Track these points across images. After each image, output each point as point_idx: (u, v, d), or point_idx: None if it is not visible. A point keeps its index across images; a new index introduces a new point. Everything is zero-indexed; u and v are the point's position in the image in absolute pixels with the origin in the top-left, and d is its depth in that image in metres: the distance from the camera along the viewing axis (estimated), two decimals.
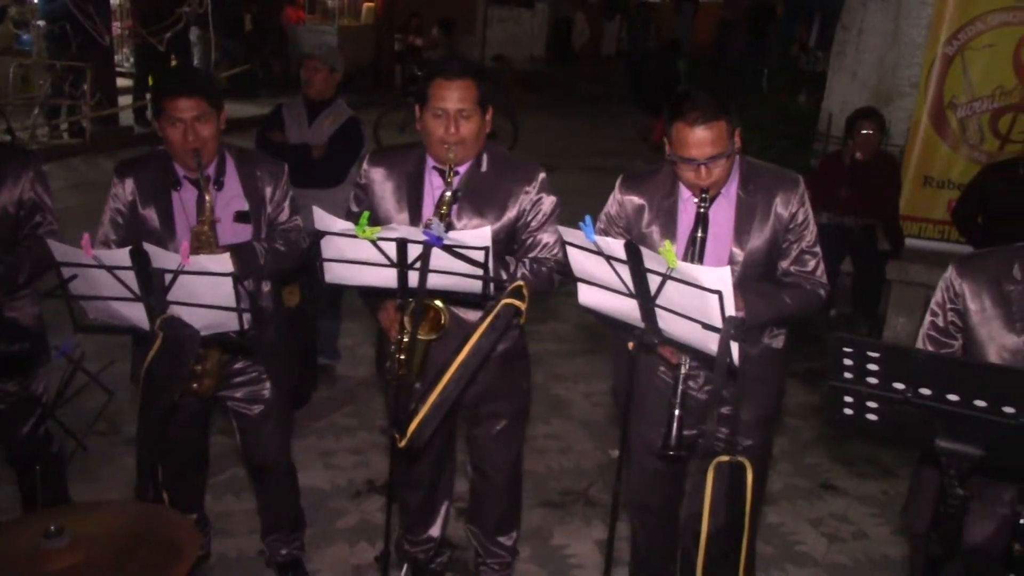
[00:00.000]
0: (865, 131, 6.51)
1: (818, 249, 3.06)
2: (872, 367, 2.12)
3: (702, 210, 2.88)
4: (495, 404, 3.45)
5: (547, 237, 3.24)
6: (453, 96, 3.09)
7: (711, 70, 15.73)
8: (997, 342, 2.54)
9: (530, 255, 3.24)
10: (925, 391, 2.10)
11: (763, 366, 3.11)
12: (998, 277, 2.56)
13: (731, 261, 2.98)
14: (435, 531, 3.79)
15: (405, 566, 3.80)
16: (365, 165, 3.35)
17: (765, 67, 15.12)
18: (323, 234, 2.83)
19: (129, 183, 3.31)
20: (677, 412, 2.82)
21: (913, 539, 2.91)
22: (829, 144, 7.58)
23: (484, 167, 3.24)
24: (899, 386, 2.12)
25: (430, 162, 3.22)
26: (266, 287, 3.44)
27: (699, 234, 2.87)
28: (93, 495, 4.19)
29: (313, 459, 4.78)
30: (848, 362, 2.14)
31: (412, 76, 15.56)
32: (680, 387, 2.84)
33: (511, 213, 3.22)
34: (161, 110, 3.22)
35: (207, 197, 3.17)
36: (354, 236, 2.78)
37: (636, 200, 3.12)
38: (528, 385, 3.57)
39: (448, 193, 3.09)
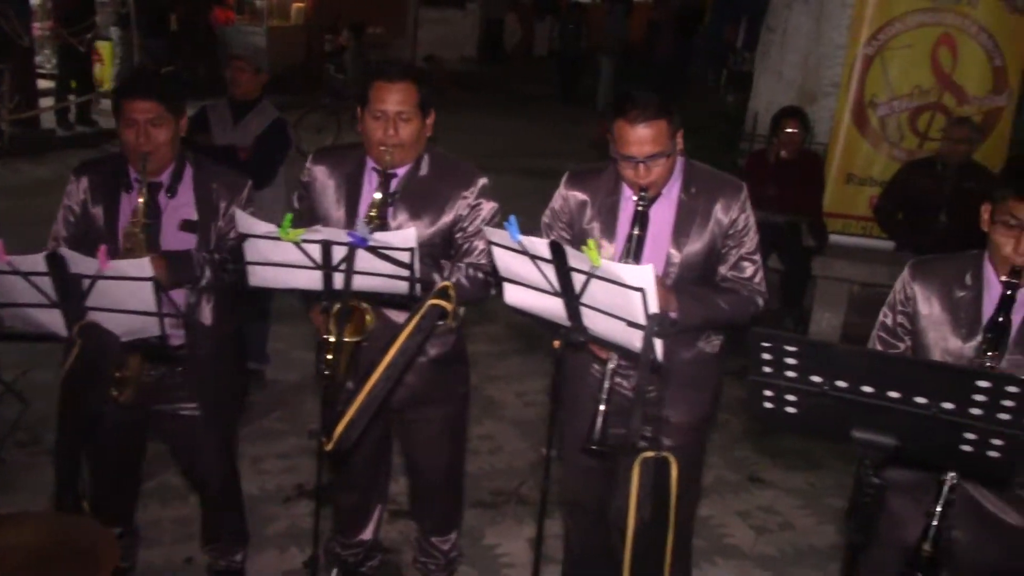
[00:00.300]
0: (789, 130, 6.64)
1: (758, 257, 3.08)
2: (790, 361, 2.16)
3: (640, 208, 2.89)
4: (427, 408, 3.44)
5: (483, 243, 3.24)
6: (393, 98, 3.09)
7: (641, 70, 15.88)
8: (942, 346, 2.61)
9: (466, 260, 3.24)
10: (841, 383, 2.14)
11: (697, 370, 3.13)
12: (950, 283, 2.63)
13: (668, 263, 3.00)
14: (367, 534, 3.77)
15: (335, 570, 3.78)
16: (309, 163, 3.35)
17: (693, 68, 15.33)
18: (246, 237, 2.79)
19: (84, 182, 3.27)
20: (603, 408, 2.84)
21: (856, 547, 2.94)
22: (755, 143, 7.71)
23: (424, 170, 3.24)
24: (816, 379, 2.17)
25: (370, 163, 3.22)
26: (208, 302, 3.35)
27: (636, 232, 2.89)
28: (13, 507, 4.08)
29: (242, 465, 4.66)
30: (767, 356, 2.18)
31: (329, 78, 15.47)
32: (607, 383, 2.86)
33: (447, 217, 3.22)
34: (119, 110, 3.17)
35: (140, 200, 3.11)
36: (277, 238, 2.75)
37: (580, 196, 3.13)
38: (466, 390, 3.56)
39: (378, 195, 3.08)
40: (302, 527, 4.23)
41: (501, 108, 17.24)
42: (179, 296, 3.25)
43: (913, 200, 6.49)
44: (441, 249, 3.24)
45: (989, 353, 2.44)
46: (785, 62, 7.86)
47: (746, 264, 3.06)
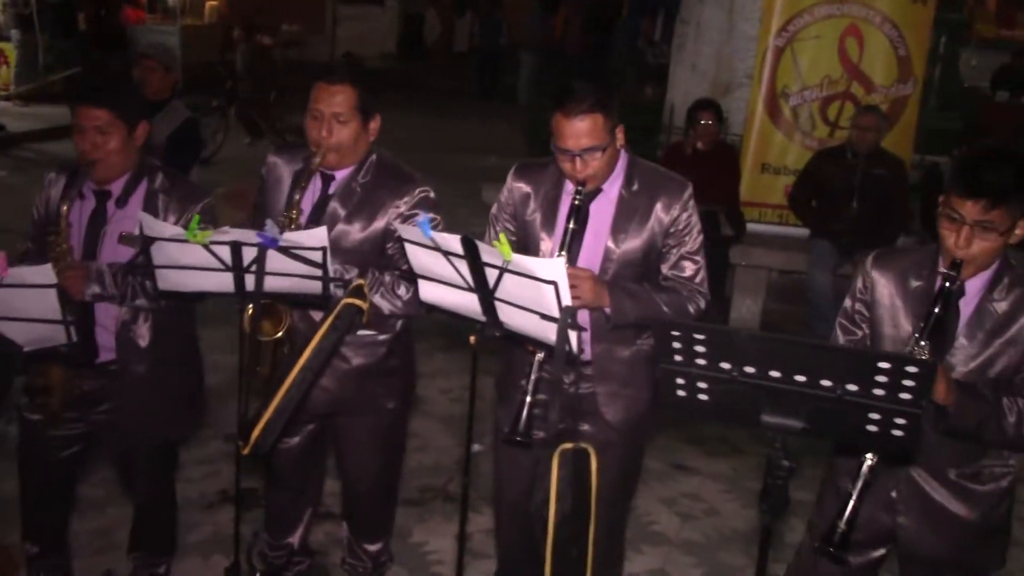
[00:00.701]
0: (704, 121, 6.74)
1: (701, 257, 3.07)
2: (699, 348, 2.19)
3: (576, 202, 2.88)
4: (352, 418, 3.41)
5: None
6: (330, 100, 3.08)
7: (560, 65, 15.94)
8: (893, 335, 2.67)
9: (396, 270, 3.19)
10: (749, 369, 2.18)
11: (635, 368, 3.10)
12: (907, 273, 2.69)
13: (606, 258, 2.99)
14: (295, 538, 3.73)
15: (257, 574, 3.73)
16: (270, 155, 3.34)
17: (610, 61, 15.45)
18: (153, 240, 2.74)
19: (61, 180, 3.22)
20: (528, 399, 2.84)
21: (810, 528, 3.00)
22: (672, 135, 7.81)
23: (365, 175, 3.21)
24: (725, 366, 2.20)
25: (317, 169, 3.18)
26: (145, 321, 3.23)
27: (571, 225, 2.87)
28: None
29: None
30: (677, 345, 2.21)
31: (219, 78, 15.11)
32: (535, 375, 2.86)
33: (379, 224, 3.18)
34: (73, 116, 3.10)
35: (63, 208, 3.03)
36: (185, 241, 2.70)
37: (524, 188, 3.13)
38: (396, 405, 3.47)
39: (297, 196, 3.07)
40: (226, 533, 4.14)
41: (421, 105, 17.18)
42: (111, 311, 3.17)
43: (825, 188, 6.65)
44: (371, 256, 3.20)
45: (922, 343, 2.48)
46: (699, 54, 7.98)
47: (687, 264, 3.04)
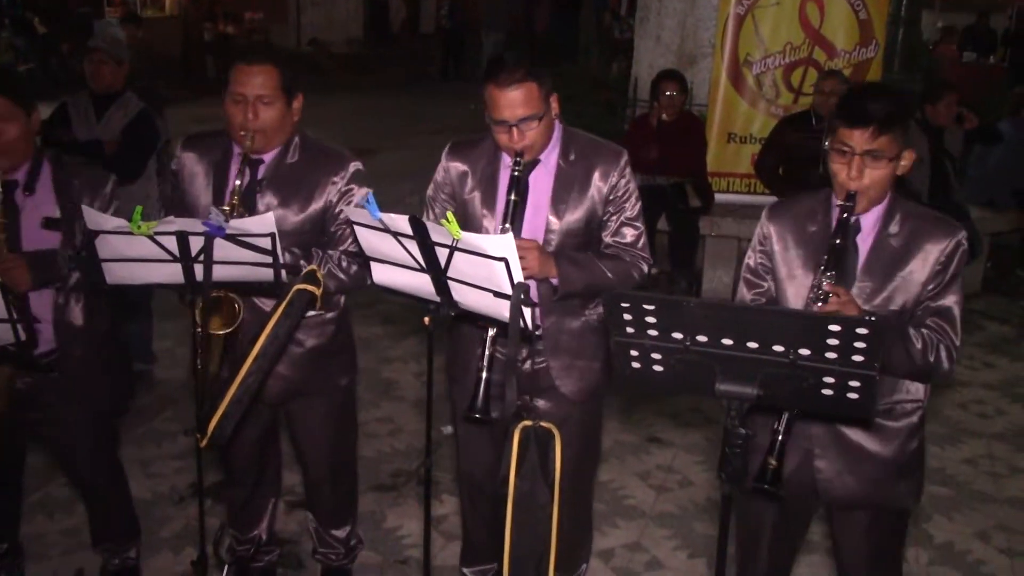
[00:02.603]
0: (668, 92, 6.71)
1: (640, 223, 3.07)
2: (650, 320, 2.17)
3: (516, 173, 2.86)
4: (307, 400, 3.38)
5: None
6: (253, 82, 3.01)
7: (525, 44, 15.89)
8: (797, 279, 2.69)
9: (339, 248, 3.17)
10: (702, 338, 2.16)
11: (585, 339, 3.11)
12: (802, 219, 2.73)
13: (548, 230, 2.98)
14: (261, 530, 3.70)
15: (226, 567, 3.70)
16: (178, 150, 3.25)
17: (577, 37, 15.36)
18: (96, 233, 2.68)
19: None
20: (484, 375, 2.82)
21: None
22: (638, 108, 7.77)
23: (293, 156, 3.16)
24: (678, 335, 2.18)
25: (236, 149, 3.10)
26: (77, 302, 3.22)
27: (512, 198, 2.85)
28: None
29: (133, 468, 4.56)
30: (628, 317, 2.18)
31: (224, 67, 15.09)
32: (488, 351, 2.84)
33: (317, 204, 3.14)
34: None
35: None
36: (129, 233, 2.65)
37: (460, 166, 3.09)
38: (348, 381, 3.49)
39: (239, 183, 3.00)
40: (197, 527, 4.12)
41: (389, 88, 17.08)
42: (46, 297, 3.14)
43: (791, 154, 6.63)
44: (312, 237, 3.16)
45: (828, 273, 2.52)
46: (663, 26, 7.94)
47: (627, 230, 3.05)
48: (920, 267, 2.61)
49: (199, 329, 2.92)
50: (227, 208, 2.94)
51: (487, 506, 3.39)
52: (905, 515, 2.92)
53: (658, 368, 2.27)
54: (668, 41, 7.93)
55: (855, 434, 2.73)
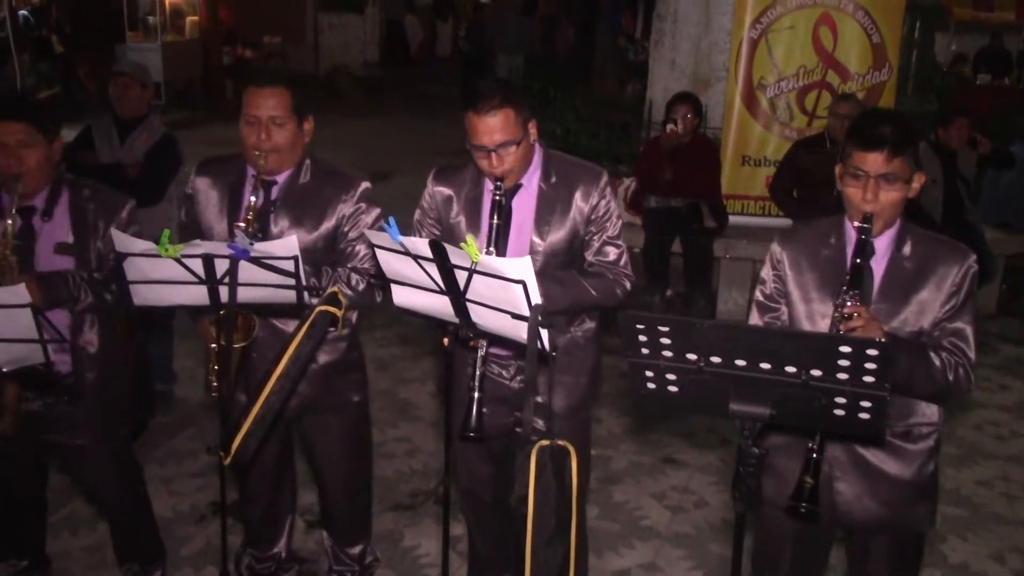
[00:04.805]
0: (682, 115, 6.76)
1: (621, 241, 3.15)
2: (665, 341, 2.22)
3: (496, 198, 2.95)
4: (320, 416, 3.44)
5: (366, 247, 3.24)
6: (265, 104, 3.11)
7: (544, 67, 15.98)
8: (812, 302, 2.73)
9: (348, 265, 3.24)
10: (715, 359, 2.21)
11: (571, 355, 3.19)
12: (815, 244, 2.78)
13: (532, 251, 3.05)
14: (279, 548, 3.75)
15: None
16: (192, 175, 3.34)
17: (592, 60, 15.49)
18: (124, 256, 2.76)
19: None
20: (476, 395, 2.89)
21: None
22: (652, 131, 7.83)
23: (305, 176, 3.25)
24: (692, 356, 2.23)
25: (250, 171, 3.20)
26: (92, 326, 3.27)
27: (495, 221, 2.94)
28: None
29: (154, 487, 4.61)
30: (643, 338, 2.23)
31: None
32: (478, 370, 2.90)
33: (328, 223, 3.23)
34: None
35: (8, 222, 3.06)
36: (157, 255, 2.72)
37: (445, 191, 3.18)
38: (361, 398, 3.55)
39: (254, 199, 3.10)
40: (218, 545, 4.16)
41: (406, 110, 17.21)
42: (60, 320, 3.19)
43: (805, 177, 6.67)
44: (323, 255, 3.24)
45: (852, 292, 2.55)
46: (677, 49, 8.01)
47: (609, 248, 3.13)
48: (934, 291, 2.65)
49: (217, 343, 2.99)
50: (243, 224, 3.02)
51: (490, 519, 3.44)
52: (922, 538, 2.94)
53: (673, 388, 2.32)
54: (683, 64, 8.00)
55: (875, 457, 2.75)
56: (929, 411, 2.77)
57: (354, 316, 3.36)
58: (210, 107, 15.73)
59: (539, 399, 3.07)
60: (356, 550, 3.74)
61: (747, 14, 7.20)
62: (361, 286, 3.22)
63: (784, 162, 6.88)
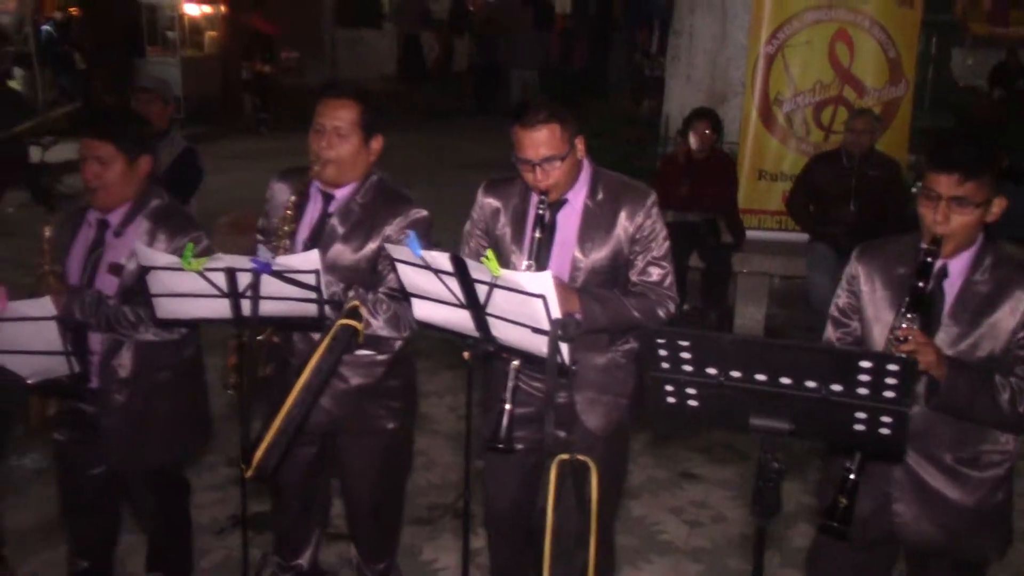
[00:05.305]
0: (700, 130, 6.79)
1: (667, 263, 3.13)
2: (685, 355, 2.23)
3: (540, 212, 2.97)
4: (352, 438, 3.44)
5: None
6: (333, 113, 3.16)
7: (559, 81, 16.05)
8: (883, 321, 2.71)
9: (381, 289, 3.23)
10: (735, 373, 2.22)
11: (611, 375, 3.17)
12: (892, 262, 2.76)
13: (574, 267, 3.06)
14: (304, 559, 3.76)
15: None
16: (273, 179, 3.40)
17: (608, 75, 15.54)
18: (148, 269, 2.79)
19: (64, 216, 3.32)
20: (508, 406, 2.89)
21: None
22: (669, 146, 7.85)
23: (364, 196, 3.26)
24: (712, 371, 2.24)
25: (316, 183, 3.25)
26: (127, 349, 3.25)
27: (537, 235, 2.95)
28: None
29: None
30: (663, 352, 2.25)
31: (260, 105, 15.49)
32: (511, 382, 2.91)
33: (373, 244, 3.23)
34: (79, 147, 3.20)
35: (46, 234, 3.11)
36: (180, 269, 2.75)
37: (493, 203, 3.20)
38: (397, 426, 3.47)
39: (292, 198, 3.17)
40: (238, 558, 4.17)
41: (420, 124, 17.27)
42: (98, 339, 3.22)
43: (822, 192, 6.68)
44: (367, 275, 3.24)
45: (908, 315, 2.53)
46: (694, 65, 8.04)
47: (653, 269, 3.11)
48: (1009, 314, 2.62)
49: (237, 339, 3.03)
50: (275, 239, 3.05)
51: (512, 536, 3.44)
52: (983, 566, 2.89)
53: (693, 403, 2.32)
54: (699, 80, 8.02)
55: (936, 481, 2.73)
56: (1003, 438, 2.73)
57: (396, 344, 3.32)
58: (228, 121, 15.83)
59: (569, 415, 3.08)
60: (381, 566, 3.74)
61: (763, 29, 7.23)
62: (387, 314, 3.18)
63: (801, 177, 6.89)
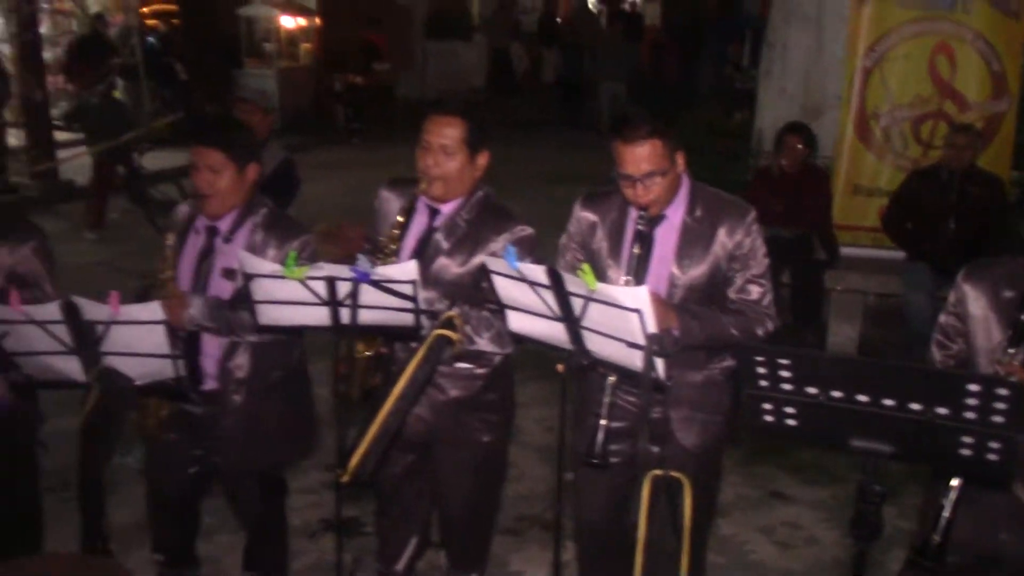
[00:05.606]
0: (792, 144, 6.69)
1: (767, 280, 3.11)
2: (784, 373, 2.21)
3: (640, 227, 2.97)
4: (448, 449, 3.46)
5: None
6: (439, 131, 3.20)
7: (648, 93, 15.97)
8: (987, 346, 2.66)
9: (486, 306, 3.23)
10: (836, 393, 2.19)
11: (707, 392, 3.15)
12: (999, 284, 2.70)
13: (672, 284, 3.05)
14: (400, 566, 3.79)
15: None
16: (382, 188, 3.46)
17: (698, 88, 15.41)
18: (252, 277, 2.87)
19: (175, 225, 3.40)
20: (603, 422, 2.88)
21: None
22: (761, 160, 7.76)
23: (470, 211, 3.30)
24: (812, 390, 2.21)
25: (423, 197, 3.30)
26: (245, 350, 3.34)
27: (636, 251, 2.96)
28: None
29: None
30: (762, 370, 2.23)
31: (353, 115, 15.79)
32: (608, 398, 2.90)
33: (477, 260, 3.25)
34: (190, 155, 3.29)
35: (168, 242, 3.21)
36: (282, 277, 2.83)
37: (590, 217, 3.21)
38: (493, 439, 3.49)
39: (400, 219, 3.24)
40: (329, 561, 4.24)
41: (508, 137, 17.36)
42: (214, 343, 3.32)
43: (920, 209, 6.51)
44: (471, 291, 3.26)
45: (1010, 350, 2.48)
46: (787, 78, 7.94)
47: (752, 287, 3.09)
48: None
49: (344, 353, 3.10)
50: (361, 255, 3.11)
51: (602, 550, 3.42)
52: None
53: (791, 422, 2.30)
54: (793, 92, 7.91)
55: None
56: None
57: (496, 358, 3.34)
58: (321, 132, 16.14)
59: (663, 430, 3.06)
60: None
61: (861, 42, 7.08)
62: (486, 333, 3.19)
63: (898, 193, 6.72)
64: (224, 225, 3.32)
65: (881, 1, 7.04)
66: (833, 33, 7.59)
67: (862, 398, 2.16)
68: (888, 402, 2.14)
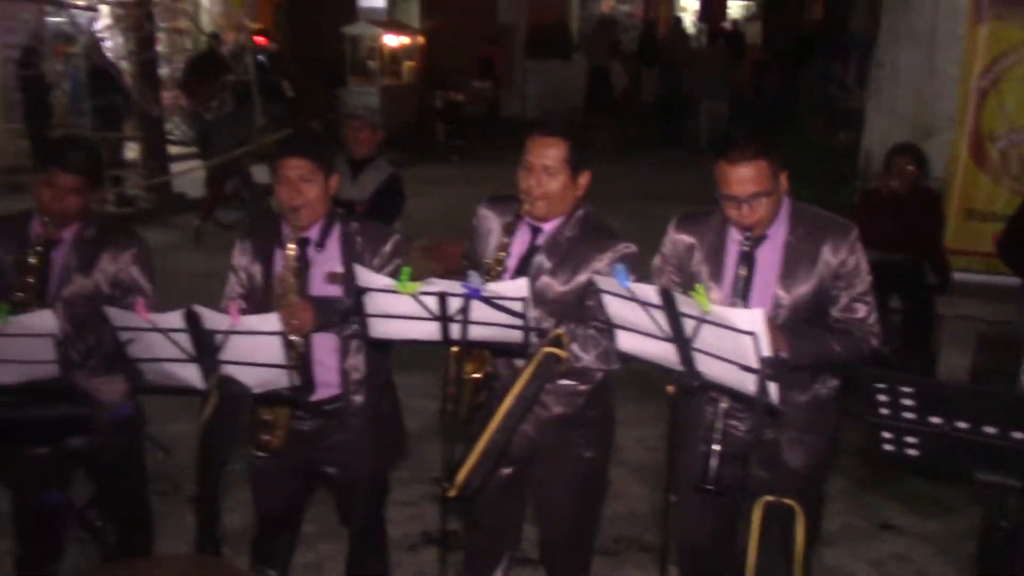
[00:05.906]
0: (902, 165, 6.52)
1: (871, 299, 3.07)
2: (907, 402, 2.15)
3: (745, 248, 2.95)
4: (550, 466, 3.46)
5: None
6: (541, 152, 3.22)
7: (749, 112, 15.78)
8: None
9: (591, 324, 3.23)
10: (962, 424, 2.12)
11: (813, 413, 3.12)
12: None
13: (776, 304, 3.02)
14: None
15: None
16: (481, 206, 3.49)
17: (798, 106, 15.16)
18: (365, 290, 2.92)
19: (246, 244, 3.48)
20: (715, 447, 2.85)
21: None
22: (868, 181, 7.58)
23: (572, 229, 3.31)
24: (936, 420, 2.14)
25: (525, 216, 3.33)
26: (358, 351, 3.40)
27: (742, 272, 2.94)
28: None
29: None
30: (883, 398, 2.18)
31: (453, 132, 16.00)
32: (720, 423, 2.87)
33: (581, 278, 3.26)
34: (276, 168, 3.35)
35: (292, 246, 3.27)
36: (395, 292, 2.87)
37: (687, 239, 3.20)
38: (595, 455, 3.49)
39: (506, 239, 3.26)
40: (429, 574, 4.30)
41: (607, 156, 17.34)
42: (330, 344, 3.37)
43: None
44: (575, 309, 3.27)
45: None
46: (897, 97, 7.74)
47: (858, 305, 3.05)
48: None
49: (452, 374, 3.12)
50: (488, 268, 3.13)
51: (705, 574, 3.37)
52: None
53: (912, 451, 2.24)
54: (903, 113, 7.70)
55: None
56: None
57: (598, 375, 3.33)
58: (422, 148, 16.37)
59: (769, 451, 3.02)
60: None
61: (977, 62, 6.87)
62: (598, 350, 3.19)
63: (1016, 218, 6.46)
64: (312, 234, 3.38)
65: (998, 20, 6.82)
66: (946, 53, 7.37)
67: (989, 430, 2.09)
68: (1018, 435, 2.06)
